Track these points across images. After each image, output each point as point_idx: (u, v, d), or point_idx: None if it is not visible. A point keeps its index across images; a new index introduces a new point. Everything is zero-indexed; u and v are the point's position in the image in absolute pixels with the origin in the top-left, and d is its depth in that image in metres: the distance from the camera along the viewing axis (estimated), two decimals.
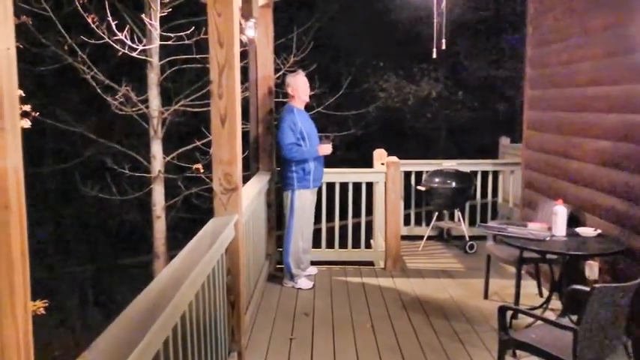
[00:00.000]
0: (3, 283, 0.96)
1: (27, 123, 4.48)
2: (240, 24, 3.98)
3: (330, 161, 5.17)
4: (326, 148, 4.87)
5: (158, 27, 6.83)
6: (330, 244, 5.66)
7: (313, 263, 5.34)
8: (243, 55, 4.43)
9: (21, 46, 6.25)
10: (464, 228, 6.26)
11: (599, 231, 3.79)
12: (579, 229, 3.84)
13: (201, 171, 7.69)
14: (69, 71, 8.45)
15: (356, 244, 5.71)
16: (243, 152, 3.61)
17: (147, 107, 7.49)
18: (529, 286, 4.64)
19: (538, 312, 3.79)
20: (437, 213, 6.37)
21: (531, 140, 5.28)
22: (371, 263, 5.71)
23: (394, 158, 5.58)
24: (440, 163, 6.58)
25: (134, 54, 6.68)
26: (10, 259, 0.97)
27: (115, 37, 6.50)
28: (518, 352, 3.12)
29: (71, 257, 11.64)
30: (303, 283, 4.94)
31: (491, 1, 14.28)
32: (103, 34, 6.53)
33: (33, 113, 4.78)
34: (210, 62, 2.99)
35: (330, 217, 5.62)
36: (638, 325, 3.25)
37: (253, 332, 3.96)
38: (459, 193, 6.10)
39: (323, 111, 9.88)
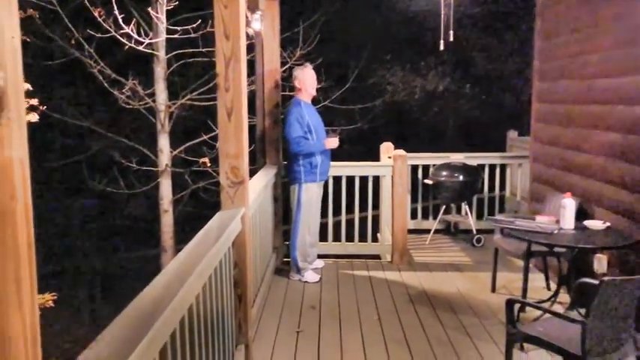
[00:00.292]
0: (9, 274, 0.95)
1: (34, 117, 4.48)
2: (247, 16, 3.96)
3: (336, 155, 5.16)
4: (333, 142, 4.86)
5: (164, 20, 6.82)
6: (336, 238, 5.67)
7: (320, 257, 5.34)
8: (250, 48, 4.42)
9: (28, 40, 6.26)
10: (471, 221, 6.24)
11: (607, 224, 3.76)
12: (587, 222, 3.82)
13: (208, 165, 7.70)
14: (76, 65, 8.48)
15: (363, 238, 5.71)
16: (250, 146, 3.61)
17: (154, 101, 7.50)
18: (537, 279, 4.62)
19: (546, 305, 3.77)
20: (444, 206, 6.36)
21: (539, 133, 5.24)
22: (378, 257, 5.71)
23: (401, 151, 5.56)
24: (447, 156, 6.57)
25: (140, 48, 6.67)
26: (17, 250, 0.96)
27: (122, 31, 6.49)
28: (525, 345, 3.10)
29: (79, 251, 11.72)
30: (310, 276, 4.95)
31: None
32: (110, 27, 6.53)
33: (40, 107, 4.79)
34: (216, 55, 2.98)
35: (337, 211, 5.62)
36: None
37: (260, 325, 3.97)
38: (467, 187, 6.08)
39: (330, 104, 9.88)
